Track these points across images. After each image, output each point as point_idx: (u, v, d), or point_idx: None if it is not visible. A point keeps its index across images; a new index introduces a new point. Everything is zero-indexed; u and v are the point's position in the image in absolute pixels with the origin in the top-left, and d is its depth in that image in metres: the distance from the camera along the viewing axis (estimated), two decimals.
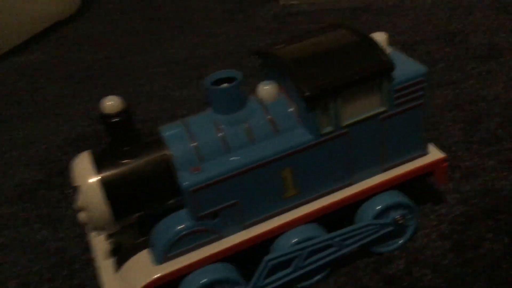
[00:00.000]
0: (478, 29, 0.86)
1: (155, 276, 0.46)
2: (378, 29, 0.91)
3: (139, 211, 0.47)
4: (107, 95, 0.50)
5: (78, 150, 0.75)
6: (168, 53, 0.98)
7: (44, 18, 1.10)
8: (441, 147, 0.64)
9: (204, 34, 1.02)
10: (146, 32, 1.08)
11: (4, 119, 0.86)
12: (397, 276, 0.50)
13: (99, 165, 0.46)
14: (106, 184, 0.45)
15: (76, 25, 1.15)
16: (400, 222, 0.51)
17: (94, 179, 0.45)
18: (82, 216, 0.46)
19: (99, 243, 0.51)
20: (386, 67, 0.46)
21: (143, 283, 0.46)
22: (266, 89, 0.49)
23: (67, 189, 0.68)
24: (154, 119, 0.79)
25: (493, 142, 0.64)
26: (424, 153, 0.53)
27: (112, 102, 0.45)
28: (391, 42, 0.86)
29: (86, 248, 0.58)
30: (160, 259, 0.47)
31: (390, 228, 0.51)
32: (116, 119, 0.45)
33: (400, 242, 0.53)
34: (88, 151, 0.47)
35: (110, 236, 0.51)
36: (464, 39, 0.84)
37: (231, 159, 0.46)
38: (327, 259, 0.50)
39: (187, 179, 0.45)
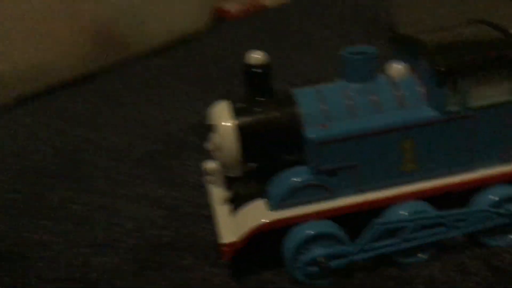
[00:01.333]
0: None
1: (267, 220, 0.49)
2: None
3: (264, 158, 0.51)
4: (225, 96, 0.57)
5: (197, 134, 0.83)
6: (288, 72, 1.04)
7: (177, 29, 1.22)
8: None
9: (321, 56, 1.07)
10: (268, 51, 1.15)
11: (133, 102, 0.96)
12: (507, 269, 0.49)
13: (235, 110, 0.51)
14: (239, 128, 0.50)
15: (203, 41, 1.25)
16: None
17: (230, 122, 0.50)
18: (214, 154, 0.50)
19: (218, 193, 0.56)
20: None
21: (256, 225, 0.49)
22: (396, 67, 0.52)
23: (185, 160, 0.74)
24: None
25: None
26: None
27: (257, 56, 0.50)
28: None
29: (200, 207, 0.63)
30: (275, 206, 0.50)
31: (506, 220, 0.51)
32: (257, 70, 0.50)
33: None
34: (226, 101, 0.53)
35: (228, 185, 0.55)
36: None
37: (356, 122, 0.49)
38: (436, 237, 0.50)
39: (314, 133, 0.48)
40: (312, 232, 0.49)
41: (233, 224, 0.51)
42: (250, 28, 1.30)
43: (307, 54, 1.11)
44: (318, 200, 0.50)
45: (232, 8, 1.36)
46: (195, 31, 1.25)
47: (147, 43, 1.17)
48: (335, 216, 0.50)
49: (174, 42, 1.22)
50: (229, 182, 0.55)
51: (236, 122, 0.50)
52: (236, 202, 0.53)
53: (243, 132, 0.50)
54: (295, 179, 0.49)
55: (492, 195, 0.51)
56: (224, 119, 0.50)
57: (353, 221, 0.50)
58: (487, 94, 0.49)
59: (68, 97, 1.02)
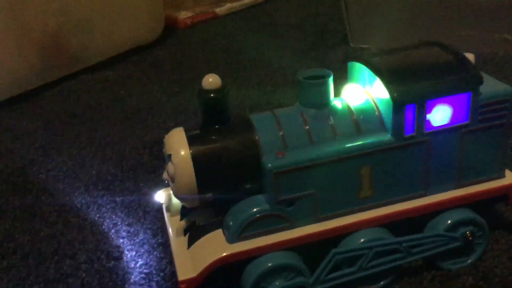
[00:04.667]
0: None
1: (225, 254, 0.47)
2: None
3: (221, 188, 0.49)
4: (180, 108, 0.54)
5: (152, 153, 0.81)
6: (241, 81, 1.02)
7: (127, 41, 1.19)
8: None
9: (274, 69, 1.07)
10: (220, 60, 1.13)
11: (85, 120, 0.92)
12: None
13: (191, 138, 0.49)
14: (195, 157, 0.48)
15: (154, 52, 1.22)
16: (469, 238, 0.51)
17: (186, 151, 0.48)
18: (170, 185, 0.49)
19: (174, 222, 0.54)
20: (475, 80, 0.48)
21: (213, 259, 0.47)
22: (352, 91, 0.52)
23: (140, 184, 0.72)
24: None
25: None
26: (501, 175, 0.53)
27: (212, 80, 0.48)
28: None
29: (156, 235, 0.61)
30: (233, 238, 0.48)
31: (459, 243, 0.51)
32: (213, 95, 0.48)
33: (469, 261, 0.53)
34: (181, 127, 0.51)
35: (184, 215, 0.53)
36: None
37: (314, 149, 0.48)
38: (393, 264, 0.50)
39: (271, 162, 0.47)
40: (271, 265, 0.48)
41: (190, 258, 0.49)
42: (201, 37, 1.28)
43: (259, 63, 1.10)
44: (278, 230, 0.49)
45: (184, 17, 1.33)
46: (147, 41, 1.22)
47: (97, 55, 1.13)
48: (295, 246, 0.49)
49: (125, 54, 1.19)
50: (186, 211, 0.53)
51: (192, 151, 0.48)
52: (193, 233, 0.51)
53: (199, 161, 0.48)
54: (253, 210, 0.48)
55: (447, 220, 0.51)
56: (179, 149, 0.48)
57: (315, 249, 0.49)
58: (442, 118, 0.49)
59: (13, 114, 0.97)
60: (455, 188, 0.52)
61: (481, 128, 0.50)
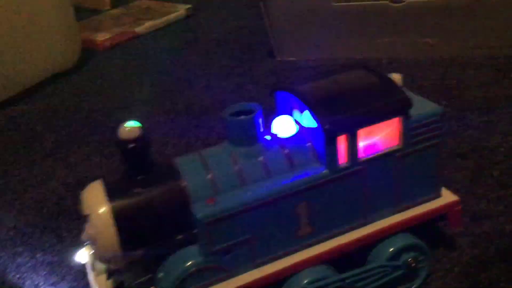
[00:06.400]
0: (472, 84, 0.88)
1: None
2: None
3: (149, 244, 0.45)
4: (105, 141, 0.49)
5: (75, 196, 0.75)
6: (166, 105, 0.98)
7: (41, 70, 1.11)
8: None
9: (202, 88, 1.03)
10: (143, 85, 1.08)
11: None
12: None
13: (111, 194, 0.44)
14: (117, 214, 0.43)
15: (73, 78, 1.15)
16: (412, 264, 0.50)
17: (104, 209, 0.43)
18: (90, 246, 0.44)
19: (100, 283, 0.49)
20: (404, 105, 0.47)
21: None
22: (282, 124, 0.49)
23: (63, 232, 0.66)
24: None
25: (498, 188, 0.64)
26: (438, 195, 0.52)
27: (130, 128, 0.44)
28: None
29: None
30: None
31: (403, 271, 0.50)
32: (132, 145, 0.44)
33: (413, 286, 0.52)
34: (100, 180, 0.46)
35: (111, 274, 0.49)
36: (460, 93, 0.86)
37: (246, 192, 0.45)
38: None
39: (201, 211, 0.44)
40: None
41: None
42: (122, 59, 1.22)
43: (185, 83, 1.06)
44: (215, 282, 0.45)
45: (102, 39, 1.27)
46: (64, 68, 1.15)
47: (8, 90, 1.05)
48: None
49: (40, 84, 1.11)
50: (112, 270, 0.49)
51: (112, 207, 0.44)
52: None
53: (121, 218, 0.43)
54: (186, 265, 0.44)
55: (389, 248, 0.50)
56: (96, 207, 0.44)
57: None
58: (375, 145, 0.48)
59: None
60: (394, 214, 0.51)
61: (415, 150, 0.49)
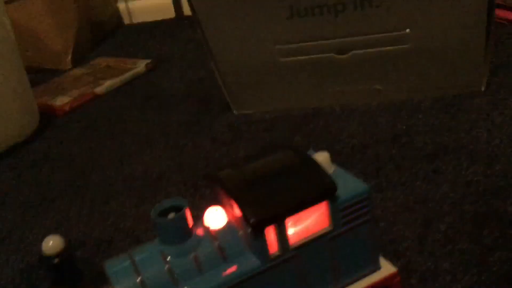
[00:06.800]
0: (421, 129, 0.90)
1: None
2: (328, 133, 0.95)
3: None
4: (63, 219, 0.48)
5: (29, 283, 0.74)
6: (125, 171, 0.98)
7: (0, 141, 1.11)
8: (396, 252, 0.65)
9: (160, 149, 1.04)
10: (104, 149, 1.09)
11: None
12: None
13: None
14: None
15: (33, 147, 1.15)
16: None
17: None
18: None
19: None
20: (329, 189, 0.48)
21: None
22: (213, 216, 0.49)
23: None
24: (109, 241, 0.77)
25: (445, 243, 0.65)
26: (377, 268, 0.53)
27: (52, 243, 0.44)
28: (341, 147, 0.89)
29: None
30: None
31: None
32: (56, 260, 0.44)
33: None
34: None
35: None
36: (409, 140, 0.87)
37: None
38: None
39: None
40: None
41: None
42: (81, 124, 1.22)
43: (144, 145, 1.07)
44: None
45: (61, 104, 1.27)
46: (22, 138, 1.15)
47: None
48: None
49: (1, 155, 1.11)
50: None
51: None
52: None
53: None
54: None
55: None
56: None
57: None
58: (305, 231, 0.48)
59: None
60: None
61: (346, 230, 0.50)
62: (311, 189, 0.47)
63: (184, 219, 0.47)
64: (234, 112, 1.10)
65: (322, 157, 0.52)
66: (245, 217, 0.46)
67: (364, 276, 0.52)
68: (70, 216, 0.87)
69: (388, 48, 0.95)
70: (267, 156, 0.52)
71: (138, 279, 0.46)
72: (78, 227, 0.83)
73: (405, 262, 0.63)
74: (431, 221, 0.69)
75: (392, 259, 0.62)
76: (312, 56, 0.99)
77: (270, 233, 0.46)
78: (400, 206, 0.73)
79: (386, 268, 0.53)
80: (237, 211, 0.47)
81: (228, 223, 0.49)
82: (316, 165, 0.49)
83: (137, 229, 0.80)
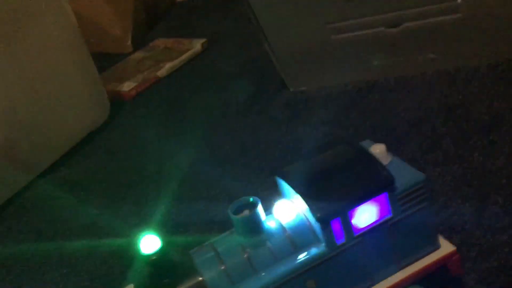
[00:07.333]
0: (477, 99, 0.91)
1: None
2: (383, 107, 0.98)
3: None
4: (141, 207, 0.53)
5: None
6: (192, 155, 1.05)
7: (78, 132, 1.20)
8: (453, 227, 0.69)
9: (223, 132, 1.09)
10: (171, 135, 1.16)
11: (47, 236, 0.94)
12: None
13: None
14: None
15: (106, 134, 1.24)
16: None
17: None
18: None
19: None
20: (386, 181, 0.52)
21: None
22: (282, 209, 0.55)
23: None
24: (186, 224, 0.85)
25: (503, 217, 0.68)
26: (436, 247, 0.57)
27: (149, 242, 0.51)
28: (397, 122, 0.91)
29: None
30: None
31: None
32: (154, 258, 0.51)
33: None
34: (132, 285, 0.54)
35: None
36: (465, 110, 0.89)
37: (260, 279, 0.52)
38: None
39: None
40: None
41: None
42: (147, 108, 1.30)
43: (206, 127, 1.13)
44: None
45: (128, 89, 1.35)
46: (97, 126, 1.24)
47: (49, 156, 1.15)
48: None
49: (78, 146, 1.20)
50: None
51: None
52: None
53: None
54: None
55: None
56: None
57: None
58: (367, 220, 0.53)
59: None
60: (398, 271, 0.56)
61: (406, 216, 0.54)
62: (371, 182, 0.52)
63: (258, 215, 0.53)
64: (290, 89, 1.14)
65: (379, 149, 0.56)
66: (311, 212, 0.51)
67: (424, 256, 0.56)
68: (149, 203, 0.95)
69: (439, 18, 0.95)
70: (327, 152, 0.56)
71: (223, 268, 0.52)
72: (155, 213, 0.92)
73: (464, 236, 0.67)
74: (489, 195, 0.71)
75: (451, 234, 0.67)
76: (363, 31, 1.00)
77: (336, 224, 0.52)
78: (458, 181, 0.75)
79: (445, 247, 0.57)
80: (303, 206, 0.53)
81: (297, 215, 0.54)
82: (373, 159, 0.53)
83: (210, 211, 0.87)
